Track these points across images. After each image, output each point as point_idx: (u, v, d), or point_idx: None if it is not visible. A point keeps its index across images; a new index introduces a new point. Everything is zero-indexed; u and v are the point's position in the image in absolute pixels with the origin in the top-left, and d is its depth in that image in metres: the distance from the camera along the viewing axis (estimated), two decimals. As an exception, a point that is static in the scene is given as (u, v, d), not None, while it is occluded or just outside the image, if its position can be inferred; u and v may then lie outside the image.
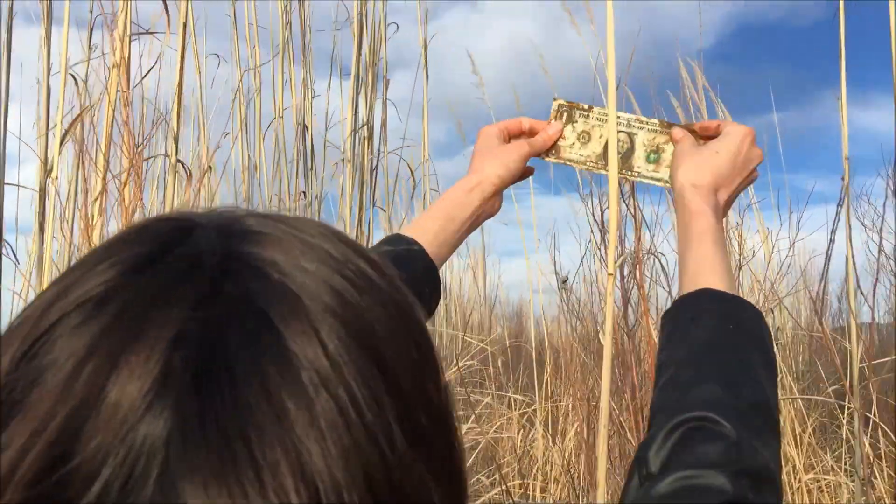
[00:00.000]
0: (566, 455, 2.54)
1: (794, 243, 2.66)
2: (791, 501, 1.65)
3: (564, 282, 2.56)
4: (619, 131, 0.88)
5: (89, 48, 2.13)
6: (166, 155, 2.49)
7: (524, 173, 0.88)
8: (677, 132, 0.83)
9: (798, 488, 1.56)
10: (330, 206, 2.99)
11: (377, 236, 3.36)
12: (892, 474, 1.62)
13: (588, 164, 0.88)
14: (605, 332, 0.85)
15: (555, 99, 0.89)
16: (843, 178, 1.45)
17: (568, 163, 0.89)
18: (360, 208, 2.87)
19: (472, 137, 0.97)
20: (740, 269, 2.00)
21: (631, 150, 0.86)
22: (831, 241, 1.78)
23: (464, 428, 2.72)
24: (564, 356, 3.05)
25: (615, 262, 0.97)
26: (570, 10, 2.19)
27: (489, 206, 0.85)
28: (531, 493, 2.50)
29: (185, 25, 1.82)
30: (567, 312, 2.78)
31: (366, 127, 2.76)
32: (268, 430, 0.27)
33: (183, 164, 2.54)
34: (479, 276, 4.25)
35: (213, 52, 2.92)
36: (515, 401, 3.11)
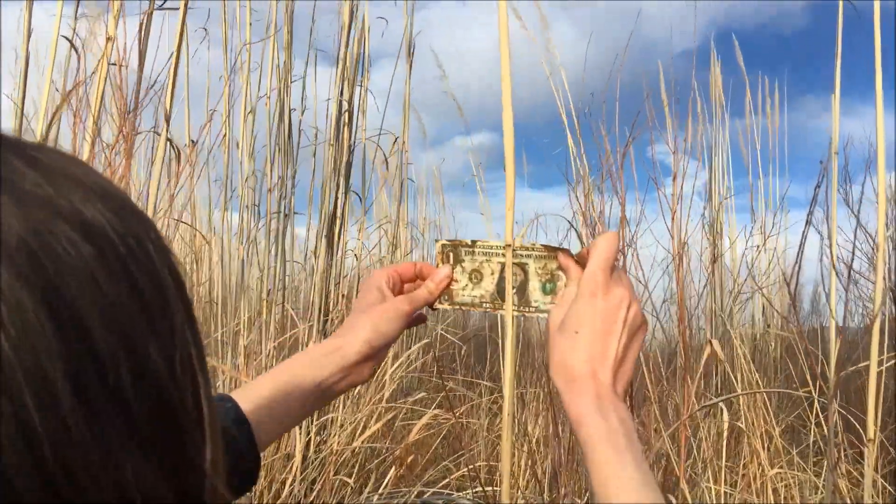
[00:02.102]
0: (531, 444, 2.55)
1: (764, 243, 2.68)
2: (756, 500, 1.67)
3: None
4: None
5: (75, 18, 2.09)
6: (156, 132, 2.45)
7: (413, 322, 0.80)
8: (562, 259, 0.76)
9: (763, 483, 1.58)
10: (304, 189, 2.99)
11: (351, 221, 3.36)
12: (852, 470, 1.65)
13: (483, 304, 0.82)
14: (507, 309, 0.80)
15: (437, 241, 0.83)
16: (821, 162, 1.45)
17: (462, 307, 0.82)
18: (337, 189, 2.85)
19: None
20: (715, 261, 2.02)
21: (525, 280, 0.80)
22: (802, 243, 1.81)
23: (431, 413, 2.72)
24: (531, 348, 3.07)
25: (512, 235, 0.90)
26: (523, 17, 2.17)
27: (355, 374, 0.74)
28: (496, 478, 2.51)
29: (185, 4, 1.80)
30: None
31: (346, 113, 2.75)
32: None
33: (171, 143, 2.50)
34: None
35: (202, 27, 2.88)
36: (486, 388, 3.11)
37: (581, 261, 0.73)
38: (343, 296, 3.10)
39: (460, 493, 2.48)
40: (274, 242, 2.93)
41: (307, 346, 2.85)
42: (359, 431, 2.77)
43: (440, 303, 0.81)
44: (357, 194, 3.15)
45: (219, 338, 2.93)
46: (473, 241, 0.82)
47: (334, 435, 2.75)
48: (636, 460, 0.60)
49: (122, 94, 1.78)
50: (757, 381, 1.91)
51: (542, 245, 0.79)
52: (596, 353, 0.65)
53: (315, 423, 2.74)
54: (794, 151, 3.82)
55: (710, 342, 1.74)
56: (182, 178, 2.50)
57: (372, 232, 3.39)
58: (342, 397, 2.89)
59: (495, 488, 2.41)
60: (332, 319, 2.98)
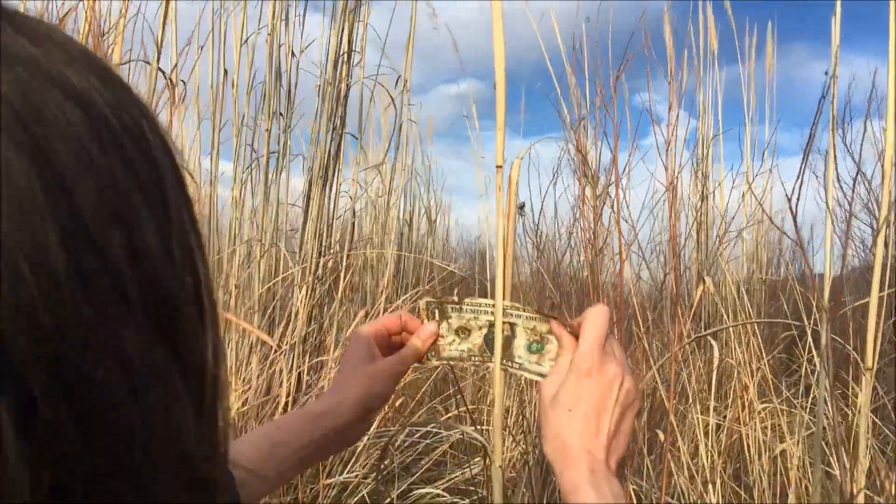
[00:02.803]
0: (519, 385, 2.57)
1: (749, 186, 2.68)
2: (741, 432, 1.69)
3: (521, 207, 2.56)
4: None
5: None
6: (146, 61, 2.41)
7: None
8: (555, 328, 0.75)
9: (751, 417, 1.61)
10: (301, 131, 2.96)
11: (348, 163, 3.34)
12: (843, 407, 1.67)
13: (472, 357, 0.81)
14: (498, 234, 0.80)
15: (421, 299, 0.83)
16: (823, 98, 1.45)
17: (450, 361, 0.82)
18: (332, 130, 2.83)
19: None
20: (704, 200, 2.03)
21: (511, 336, 0.80)
22: (800, 175, 1.80)
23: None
24: (522, 288, 3.07)
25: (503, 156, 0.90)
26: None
27: (348, 434, 0.74)
28: (484, 418, 2.54)
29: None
30: (524, 237, 2.78)
31: (345, 53, 2.72)
32: None
33: (163, 72, 2.46)
34: (437, 213, 4.23)
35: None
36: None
37: (573, 331, 0.74)
38: (336, 241, 3.10)
39: (449, 433, 2.50)
40: (267, 183, 2.91)
41: (301, 288, 2.86)
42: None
43: (427, 359, 0.81)
44: (353, 136, 3.12)
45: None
46: (461, 299, 0.82)
47: (325, 377, 2.76)
48: None
49: (94, 14, 1.73)
50: (748, 313, 1.93)
51: (533, 309, 0.79)
52: (590, 430, 0.66)
53: (307, 364, 2.76)
54: (782, 100, 3.81)
55: (703, 279, 1.75)
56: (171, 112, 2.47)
57: (371, 179, 3.37)
58: (332, 344, 2.90)
59: (485, 427, 2.43)
60: (325, 264, 2.98)
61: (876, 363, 1.18)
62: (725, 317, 1.99)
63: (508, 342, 0.80)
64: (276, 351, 2.64)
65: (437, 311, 0.81)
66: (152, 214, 0.31)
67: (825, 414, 1.25)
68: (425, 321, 0.81)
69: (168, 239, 0.31)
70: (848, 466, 1.22)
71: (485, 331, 0.81)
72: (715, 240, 2.45)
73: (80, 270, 0.27)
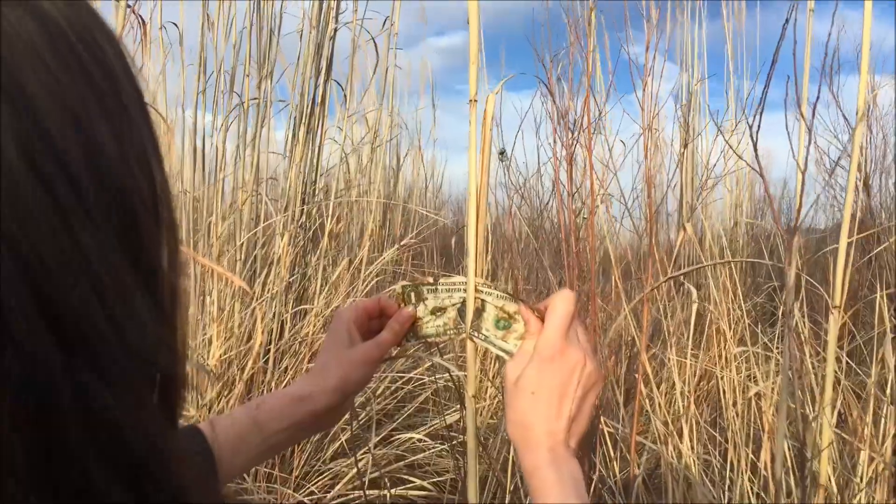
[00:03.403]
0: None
1: (730, 134, 2.66)
2: (719, 375, 1.69)
3: (502, 153, 2.54)
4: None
5: None
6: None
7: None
8: (523, 311, 0.77)
9: (726, 359, 1.60)
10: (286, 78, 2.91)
11: (333, 111, 3.29)
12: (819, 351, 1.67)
13: (448, 332, 0.83)
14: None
15: (398, 284, 0.84)
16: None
17: (428, 339, 0.83)
18: (318, 75, 2.79)
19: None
20: (686, 146, 2.00)
21: (481, 310, 0.81)
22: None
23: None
24: (504, 242, 3.06)
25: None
26: None
27: (325, 419, 0.76)
28: (461, 366, 2.54)
29: None
30: (505, 185, 2.76)
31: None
32: None
33: (131, 8, 2.41)
34: (421, 163, 4.20)
35: None
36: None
37: (540, 315, 0.75)
38: (320, 189, 3.07)
39: (431, 379, 2.51)
40: (251, 130, 2.87)
41: (283, 237, 2.84)
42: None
43: (406, 340, 0.82)
44: (338, 83, 3.07)
45: (190, 228, 2.90)
46: (436, 279, 0.83)
47: (309, 324, 2.76)
48: None
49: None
50: (726, 254, 1.92)
51: (504, 289, 0.81)
52: (552, 413, 0.68)
53: (290, 311, 2.75)
54: (767, 54, 3.76)
55: (684, 226, 1.73)
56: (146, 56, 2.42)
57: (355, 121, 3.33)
58: (315, 293, 2.89)
59: (461, 373, 2.44)
60: (308, 212, 2.95)
61: (844, 300, 1.17)
62: (709, 271, 1.98)
63: (478, 314, 0.82)
64: (253, 297, 2.63)
65: (412, 294, 0.82)
66: (109, 122, 0.32)
67: (792, 346, 1.25)
68: (401, 306, 0.82)
69: (125, 146, 0.32)
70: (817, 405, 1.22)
71: (458, 305, 0.83)
72: (698, 187, 2.43)
73: (41, 174, 0.28)
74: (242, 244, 2.84)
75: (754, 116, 1.18)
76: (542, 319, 0.74)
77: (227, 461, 0.70)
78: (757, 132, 1.12)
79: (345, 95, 3.22)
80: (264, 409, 0.74)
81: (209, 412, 2.21)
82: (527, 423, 0.68)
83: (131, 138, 0.33)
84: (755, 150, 1.15)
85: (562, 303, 0.71)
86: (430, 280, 0.83)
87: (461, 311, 0.83)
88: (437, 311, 0.83)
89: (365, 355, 0.77)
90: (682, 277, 2.09)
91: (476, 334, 0.81)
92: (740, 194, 3.24)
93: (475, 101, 0.88)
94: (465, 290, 0.82)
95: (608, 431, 1.68)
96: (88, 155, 0.30)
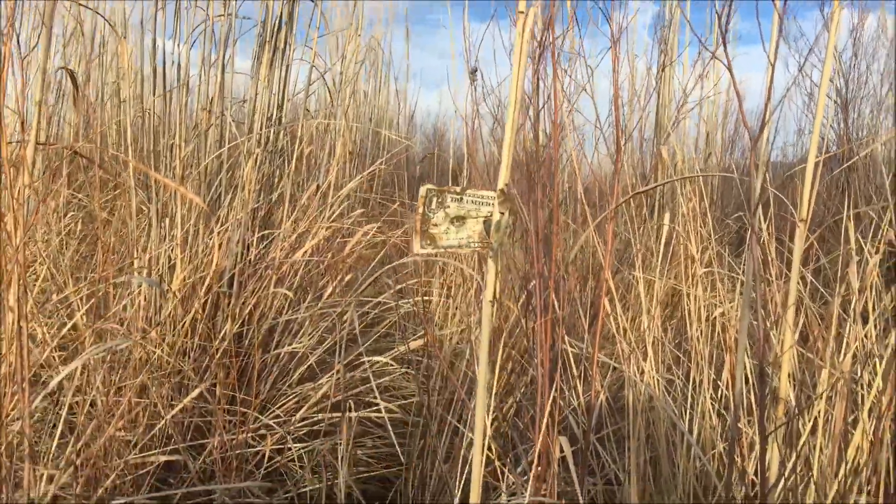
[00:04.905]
0: (471, 262, 2.55)
1: (707, 65, 2.61)
2: (685, 293, 1.69)
3: (474, 72, 2.48)
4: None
5: None
6: None
7: None
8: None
9: (693, 277, 1.60)
10: None
11: (303, 34, 3.19)
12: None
13: (472, 244, 0.84)
14: None
15: (423, 185, 0.83)
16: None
17: (448, 250, 0.84)
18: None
19: None
20: (664, 69, 1.96)
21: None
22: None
23: (369, 227, 2.70)
24: (475, 164, 3.00)
25: None
26: None
27: None
28: (433, 290, 2.53)
29: None
30: (475, 103, 2.69)
31: None
32: None
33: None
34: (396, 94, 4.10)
35: None
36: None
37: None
38: (288, 112, 2.99)
39: (400, 303, 2.49)
40: (216, 49, 2.77)
41: (247, 160, 2.77)
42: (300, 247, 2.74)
43: (423, 247, 0.82)
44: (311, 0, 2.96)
45: (152, 151, 2.82)
46: (462, 188, 0.83)
47: (276, 248, 2.72)
48: None
49: None
50: (701, 188, 1.90)
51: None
52: None
53: (256, 235, 2.71)
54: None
55: (659, 152, 1.70)
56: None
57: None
58: (283, 218, 2.84)
59: (430, 298, 2.42)
60: (275, 135, 2.88)
61: (810, 215, 1.15)
62: (679, 191, 1.96)
63: (499, 228, 0.83)
64: (219, 220, 2.58)
65: (434, 200, 0.83)
66: None
67: (756, 251, 1.23)
68: (422, 208, 0.82)
69: None
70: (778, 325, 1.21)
71: (482, 218, 0.83)
72: (674, 111, 2.40)
73: None
74: (206, 166, 2.77)
75: (726, 23, 1.14)
76: None
77: None
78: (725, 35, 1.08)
79: (316, 16, 3.11)
80: None
81: (172, 330, 2.18)
82: None
83: None
84: (730, 71, 1.11)
85: None
86: (457, 189, 0.83)
87: (487, 226, 0.83)
88: (458, 220, 0.83)
89: None
90: (656, 204, 2.07)
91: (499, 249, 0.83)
92: (715, 124, 3.21)
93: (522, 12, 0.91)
94: (491, 204, 0.82)
95: (572, 353, 1.67)
96: None
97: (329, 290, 2.71)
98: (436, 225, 0.82)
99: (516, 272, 1.78)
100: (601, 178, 2.42)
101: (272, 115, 2.89)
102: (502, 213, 0.84)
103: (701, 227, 1.79)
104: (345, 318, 2.66)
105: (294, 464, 2.16)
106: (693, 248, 1.67)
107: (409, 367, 2.47)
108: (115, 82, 3.05)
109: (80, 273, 2.31)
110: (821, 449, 1.23)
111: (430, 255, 0.85)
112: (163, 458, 1.57)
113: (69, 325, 1.71)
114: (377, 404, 2.35)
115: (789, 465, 1.15)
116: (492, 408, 1.81)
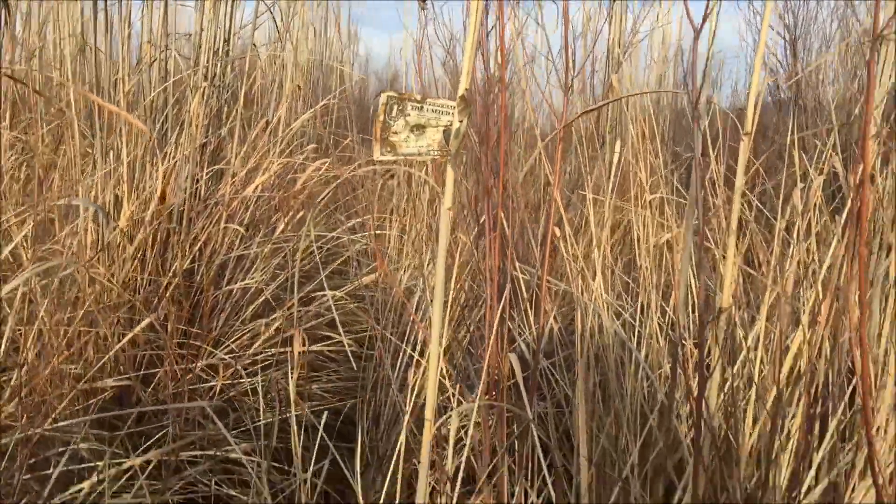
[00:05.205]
0: (425, 201, 2.54)
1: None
2: (633, 217, 1.71)
3: (424, 1, 2.43)
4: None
5: None
6: None
7: None
8: None
9: (642, 206, 1.61)
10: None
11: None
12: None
13: (431, 152, 0.83)
14: None
15: (383, 92, 0.82)
16: None
17: (407, 157, 0.83)
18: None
19: None
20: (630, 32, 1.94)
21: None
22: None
23: (321, 162, 2.67)
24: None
25: None
26: None
27: None
28: (387, 225, 2.52)
29: None
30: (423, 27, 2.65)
31: None
32: None
33: None
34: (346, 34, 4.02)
35: None
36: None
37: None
38: (235, 45, 2.91)
39: (353, 238, 2.48)
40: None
41: (194, 94, 2.70)
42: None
43: (383, 154, 0.81)
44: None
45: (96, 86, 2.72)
46: (423, 97, 0.83)
47: (226, 184, 2.67)
48: None
49: None
50: (652, 116, 1.91)
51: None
52: None
53: (205, 171, 2.66)
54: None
55: (611, 82, 1.70)
56: None
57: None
58: (232, 154, 2.79)
59: (386, 231, 2.42)
60: (223, 69, 2.81)
61: (754, 130, 1.17)
62: (628, 115, 1.98)
63: (458, 135, 0.82)
64: (165, 156, 2.52)
65: (395, 107, 0.82)
66: None
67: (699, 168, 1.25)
68: (382, 115, 0.81)
69: None
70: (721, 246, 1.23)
71: (442, 127, 0.84)
72: (626, 43, 2.41)
73: None
74: (152, 100, 2.69)
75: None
76: None
77: None
78: None
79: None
80: None
81: (121, 264, 2.15)
82: None
83: None
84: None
85: None
86: (418, 97, 0.83)
87: (447, 136, 0.83)
88: (417, 129, 0.83)
89: None
90: (607, 137, 2.08)
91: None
92: (665, 63, 3.21)
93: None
94: (452, 114, 0.82)
95: (524, 279, 1.68)
96: None
97: (281, 226, 2.69)
98: (396, 133, 0.83)
99: (470, 207, 1.78)
100: (553, 106, 2.42)
101: (219, 48, 2.81)
102: (461, 121, 0.84)
103: (652, 157, 1.81)
104: (296, 255, 2.64)
105: (248, 397, 2.16)
106: (642, 175, 1.69)
107: (360, 302, 2.47)
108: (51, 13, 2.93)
109: (23, 207, 2.25)
110: (762, 361, 1.27)
111: (389, 162, 0.85)
112: (111, 383, 1.56)
113: (8, 249, 1.67)
114: (331, 338, 2.36)
115: (729, 373, 1.18)
116: (445, 335, 1.82)
